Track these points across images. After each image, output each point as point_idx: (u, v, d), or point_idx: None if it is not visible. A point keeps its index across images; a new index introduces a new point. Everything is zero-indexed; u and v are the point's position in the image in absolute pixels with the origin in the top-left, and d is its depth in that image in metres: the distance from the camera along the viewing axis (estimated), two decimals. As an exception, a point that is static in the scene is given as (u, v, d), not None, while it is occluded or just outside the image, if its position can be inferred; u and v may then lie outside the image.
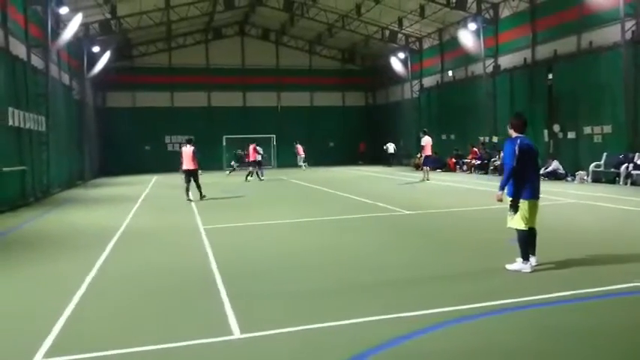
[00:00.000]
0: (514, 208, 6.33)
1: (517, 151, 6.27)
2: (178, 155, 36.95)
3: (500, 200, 6.50)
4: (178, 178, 26.00)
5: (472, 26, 24.62)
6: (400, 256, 7.68)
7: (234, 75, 35.84)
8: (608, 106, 18.51)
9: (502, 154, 6.59)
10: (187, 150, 15.19)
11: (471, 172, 24.83)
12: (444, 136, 28.52)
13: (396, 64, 32.96)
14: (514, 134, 6.51)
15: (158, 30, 30.74)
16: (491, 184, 18.83)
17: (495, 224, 10.18)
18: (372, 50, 35.62)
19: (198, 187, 15.33)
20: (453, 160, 26.74)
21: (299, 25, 32.73)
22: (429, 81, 31.31)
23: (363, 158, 36.70)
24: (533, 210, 6.38)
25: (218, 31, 35.14)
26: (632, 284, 5.68)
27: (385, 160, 33.84)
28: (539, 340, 4.29)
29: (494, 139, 24.63)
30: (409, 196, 15.67)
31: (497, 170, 23.01)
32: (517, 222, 6.37)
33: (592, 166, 18.38)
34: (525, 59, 22.89)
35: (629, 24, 17.39)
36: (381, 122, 37.04)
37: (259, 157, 23.43)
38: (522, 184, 6.31)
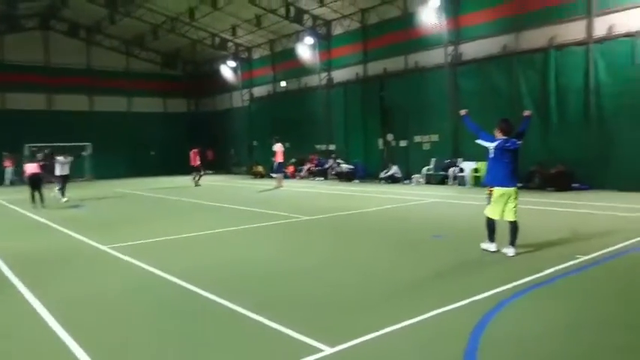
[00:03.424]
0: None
1: (493, 148, 7.29)
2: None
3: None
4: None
5: (308, 40, 26.00)
6: (370, 261, 7.83)
7: (36, 73, 31.14)
8: (434, 118, 21.46)
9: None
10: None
11: (309, 178, 26.08)
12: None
13: (226, 71, 32.76)
14: (499, 135, 7.38)
15: None
16: (347, 188, 20.12)
17: (402, 223, 11.11)
18: (197, 56, 34.69)
19: (41, 194, 16.07)
20: (292, 167, 27.70)
21: (119, 24, 30.05)
22: (260, 90, 31.84)
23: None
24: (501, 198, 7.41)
25: (15, 21, 30.06)
26: (575, 260, 6.97)
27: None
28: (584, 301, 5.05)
29: (331, 147, 26.37)
30: (290, 202, 15.72)
31: (337, 176, 24.70)
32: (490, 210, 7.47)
33: (424, 170, 21.12)
34: (357, 74, 25.10)
35: (450, 49, 20.57)
36: (208, 130, 36.20)
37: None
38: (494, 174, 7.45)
